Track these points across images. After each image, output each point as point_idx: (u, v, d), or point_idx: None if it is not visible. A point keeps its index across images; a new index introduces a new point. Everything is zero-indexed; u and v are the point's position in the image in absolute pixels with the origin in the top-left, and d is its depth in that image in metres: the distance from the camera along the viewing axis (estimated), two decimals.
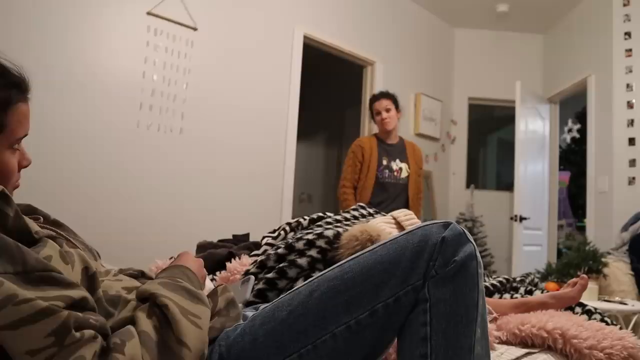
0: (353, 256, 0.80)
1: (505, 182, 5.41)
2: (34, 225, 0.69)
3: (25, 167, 0.84)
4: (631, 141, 3.56)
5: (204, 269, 0.95)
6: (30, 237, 0.67)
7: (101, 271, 0.80)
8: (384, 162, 3.02)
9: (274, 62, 3.44)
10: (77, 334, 0.58)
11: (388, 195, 3.01)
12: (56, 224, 0.83)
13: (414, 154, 3.14)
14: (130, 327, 0.66)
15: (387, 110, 3.01)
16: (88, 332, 0.60)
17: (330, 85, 5.52)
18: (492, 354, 1.15)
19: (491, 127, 5.99)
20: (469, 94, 4.98)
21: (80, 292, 0.63)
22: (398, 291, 0.75)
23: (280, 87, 3.48)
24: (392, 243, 0.78)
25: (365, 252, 0.80)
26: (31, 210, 0.83)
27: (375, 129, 3.26)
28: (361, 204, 1.62)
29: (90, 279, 0.71)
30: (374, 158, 3.00)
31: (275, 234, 1.51)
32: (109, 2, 2.67)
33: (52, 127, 2.45)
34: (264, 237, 1.53)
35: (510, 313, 1.42)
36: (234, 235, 2.18)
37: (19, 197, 0.75)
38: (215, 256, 1.72)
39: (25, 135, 0.80)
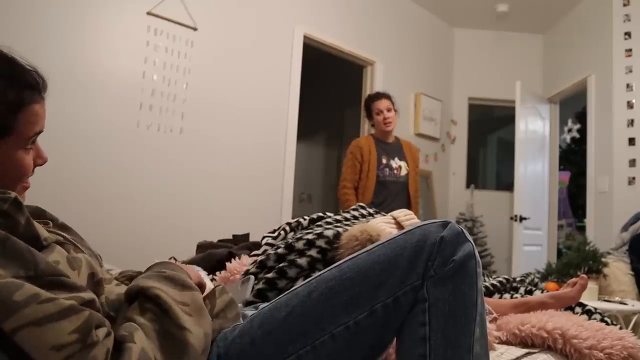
0: (351, 256, 0.80)
1: (505, 182, 5.41)
2: (43, 232, 0.70)
3: (41, 165, 0.83)
4: (631, 141, 3.55)
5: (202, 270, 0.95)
6: (38, 243, 0.68)
7: (105, 278, 0.80)
8: (384, 161, 3.02)
9: (274, 62, 3.44)
10: (97, 331, 0.60)
11: (389, 194, 3.01)
12: (64, 227, 0.84)
13: (411, 153, 3.14)
14: (131, 322, 0.68)
15: (389, 110, 3.02)
16: (104, 330, 0.62)
17: (330, 85, 5.51)
18: (492, 354, 1.15)
19: (491, 127, 5.99)
20: (468, 94, 4.97)
21: (89, 294, 0.64)
22: (397, 291, 0.75)
23: (280, 87, 3.48)
24: (390, 243, 0.78)
25: (364, 252, 0.79)
26: (40, 213, 0.83)
27: (372, 130, 3.26)
28: (361, 204, 1.62)
29: (96, 284, 0.73)
30: (374, 157, 3.00)
31: (275, 234, 1.51)
32: (109, 2, 2.67)
33: (52, 127, 2.43)
34: (264, 237, 1.53)
35: (510, 313, 1.41)
36: (234, 235, 2.18)
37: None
38: (215, 256, 1.72)
39: (40, 131, 0.79)
